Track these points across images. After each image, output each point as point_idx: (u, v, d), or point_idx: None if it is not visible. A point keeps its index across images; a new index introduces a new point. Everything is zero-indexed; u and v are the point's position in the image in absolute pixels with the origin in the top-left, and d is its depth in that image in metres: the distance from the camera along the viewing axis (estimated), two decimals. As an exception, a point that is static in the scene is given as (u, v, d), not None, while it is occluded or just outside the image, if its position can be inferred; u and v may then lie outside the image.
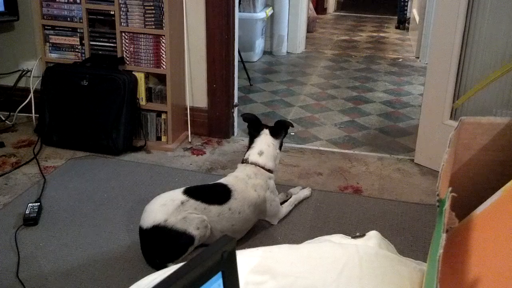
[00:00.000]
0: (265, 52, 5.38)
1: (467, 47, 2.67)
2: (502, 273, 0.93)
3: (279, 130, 2.30)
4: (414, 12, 6.26)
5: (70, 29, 3.02)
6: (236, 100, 3.30)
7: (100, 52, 3.02)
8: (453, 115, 2.78)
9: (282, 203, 2.36)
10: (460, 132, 1.33)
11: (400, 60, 5.37)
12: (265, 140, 2.25)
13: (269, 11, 5.11)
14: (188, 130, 3.17)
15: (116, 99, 2.89)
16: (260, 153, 2.22)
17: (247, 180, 2.14)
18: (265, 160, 2.21)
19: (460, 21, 2.59)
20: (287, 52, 5.46)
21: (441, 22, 2.67)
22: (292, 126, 2.39)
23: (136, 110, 2.99)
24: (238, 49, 3.34)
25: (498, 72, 2.60)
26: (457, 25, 2.59)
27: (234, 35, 3.14)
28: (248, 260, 1.09)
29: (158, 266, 1.92)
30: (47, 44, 3.08)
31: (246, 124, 2.34)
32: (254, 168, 2.19)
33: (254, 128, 2.30)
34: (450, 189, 1.07)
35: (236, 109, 3.29)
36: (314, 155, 3.01)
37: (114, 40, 2.97)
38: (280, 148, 2.32)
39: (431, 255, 1.04)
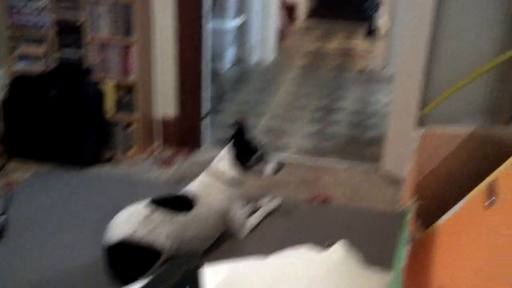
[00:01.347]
0: (236, 61, 5.38)
1: (434, 56, 2.72)
2: (464, 282, 0.94)
3: (235, 142, 2.25)
4: (382, 21, 6.36)
5: (38, 38, 2.96)
6: (206, 110, 3.28)
7: (68, 62, 2.97)
8: (420, 123, 2.82)
9: (250, 214, 2.35)
10: (425, 142, 1.35)
11: (369, 69, 5.44)
12: (226, 148, 2.25)
13: (240, 19, 5.12)
14: (157, 141, 3.14)
15: (84, 110, 2.84)
16: (219, 161, 2.22)
17: (209, 188, 2.15)
18: (224, 168, 2.21)
19: (427, 30, 2.63)
20: (258, 60, 5.47)
21: (408, 30, 2.71)
22: (250, 150, 2.25)
23: (104, 121, 2.95)
24: (209, 58, 3.32)
25: (464, 80, 2.66)
26: (424, 34, 2.64)
27: (205, 44, 3.13)
28: (214, 276, 1.08)
29: (125, 282, 1.89)
30: (14, 53, 3.01)
31: (227, 134, 2.31)
32: (213, 176, 2.18)
33: (236, 134, 2.27)
34: (414, 199, 1.08)
35: (206, 119, 3.27)
36: (284, 165, 3.01)
37: (82, 49, 2.93)
38: (239, 162, 2.23)
39: (395, 266, 1.05)
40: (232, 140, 2.25)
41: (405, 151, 2.79)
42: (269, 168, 2.24)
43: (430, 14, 2.61)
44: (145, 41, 2.94)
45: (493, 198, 1.04)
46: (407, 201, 1.09)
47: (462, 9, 2.64)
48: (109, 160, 2.96)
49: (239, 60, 5.42)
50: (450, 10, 2.64)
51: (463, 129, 1.29)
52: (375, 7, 6.87)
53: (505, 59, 2.58)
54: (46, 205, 2.48)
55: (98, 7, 2.84)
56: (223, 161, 2.22)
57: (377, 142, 3.42)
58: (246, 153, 2.25)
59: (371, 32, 6.99)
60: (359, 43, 6.77)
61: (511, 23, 2.59)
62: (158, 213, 1.96)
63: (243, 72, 5.15)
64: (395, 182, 2.84)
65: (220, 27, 4.85)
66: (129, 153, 3.03)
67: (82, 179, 2.77)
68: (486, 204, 1.01)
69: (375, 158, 3.15)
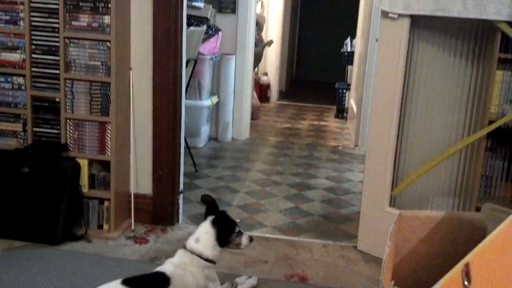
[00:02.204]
0: (210, 138, 5.46)
1: (403, 137, 2.83)
2: None
3: (218, 221, 2.24)
4: (351, 103, 6.59)
5: (13, 115, 2.98)
6: (181, 187, 3.29)
7: (43, 139, 2.98)
8: (392, 203, 2.89)
9: (227, 294, 2.32)
10: (400, 225, 1.40)
11: (340, 147, 5.57)
12: (204, 227, 2.23)
13: (214, 99, 5.26)
14: (131, 218, 3.11)
15: (57, 186, 2.83)
16: (197, 240, 2.19)
17: (184, 267, 2.12)
18: (202, 247, 2.17)
19: (395, 112, 2.76)
20: (232, 138, 5.57)
21: (377, 113, 2.83)
22: (232, 227, 2.25)
23: (77, 197, 2.93)
24: (184, 135, 3.38)
25: (433, 161, 2.76)
26: (393, 116, 2.76)
27: (180, 123, 3.19)
28: None
29: None
30: (-12, 129, 3.02)
31: (202, 210, 2.31)
32: (190, 255, 2.16)
33: (209, 211, 2.28)
34: (392, 282, 1.10)
35: (181, 196, 3.27)
36: (260, 242, 3.01)
37: (58, 127, 2.95)
38: (221, 240, 2.20)
39: None
40: (213, 219, 2.23)
41: (379, 230, 2.83)
42: (244, 240, 2.23)
43: (398, 97, 2.74)
44: (121, 119, 2.98)
45: (468, 282, 1.07)
46: (386, 284, 1.11)
47: (429, 93, 2.78)
48: (82, 236, 2.91)
49: (214, 137, 5.51)
50: (418, 93, 2.79)
51: (436, 213, 1.34)
52: (345, 88, 7.14)
53: (472, 141, 2.70)
54: (15, 284, 2.40)
55: (75, 85, 2.90)
56: (200, 239, 2.20)
57: (351, 219, 3.46)
58: (226, 231, 2.23)
59: (341, 113, 7.22)
60: (330, 123, 6.97)
61: (476, 106, 2.74)
62: (131, 293, 1.92)
63: (218, 149, 5.22)
64: (371, 259, 2.86)
65: (196, 105, 4.96)
66: (103, 230, 2.99)
67: (54, 256, 2.70)
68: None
69: (350, 236, 3.18)
